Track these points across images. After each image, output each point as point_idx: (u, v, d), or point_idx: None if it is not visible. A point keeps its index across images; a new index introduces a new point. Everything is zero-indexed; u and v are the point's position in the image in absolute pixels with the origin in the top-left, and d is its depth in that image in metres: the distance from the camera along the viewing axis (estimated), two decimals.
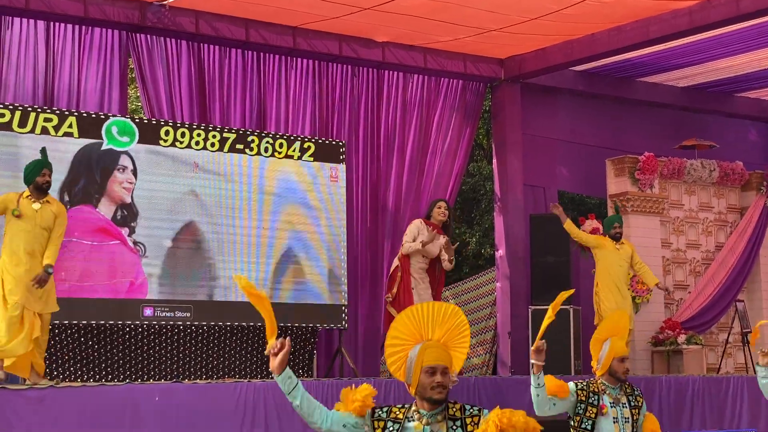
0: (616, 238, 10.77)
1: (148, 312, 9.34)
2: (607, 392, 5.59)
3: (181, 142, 9.68)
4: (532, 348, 5.25)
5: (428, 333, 3.97)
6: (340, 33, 10.94)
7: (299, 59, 11.17)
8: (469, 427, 3.84)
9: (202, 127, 9.88)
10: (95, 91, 9.96)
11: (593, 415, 5.49)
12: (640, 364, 11.92)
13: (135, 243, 9.35)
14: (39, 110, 9.02)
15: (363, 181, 11.43)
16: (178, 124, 9.79)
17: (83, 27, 9.94)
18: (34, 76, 9.66)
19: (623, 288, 10.70)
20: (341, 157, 10.65)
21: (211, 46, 10.63)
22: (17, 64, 9.59)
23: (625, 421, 5.53)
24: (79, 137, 9.16)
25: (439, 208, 9.91)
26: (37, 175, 7.58)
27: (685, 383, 9.92)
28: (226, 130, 10.01)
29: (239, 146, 9.98)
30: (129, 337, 9.26)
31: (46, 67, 9.72)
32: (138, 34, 10.18)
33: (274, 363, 4.00)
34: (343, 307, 10.40)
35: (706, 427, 9.64)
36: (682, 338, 11.90)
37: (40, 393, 7.08)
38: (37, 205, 7.49)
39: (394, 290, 9.51)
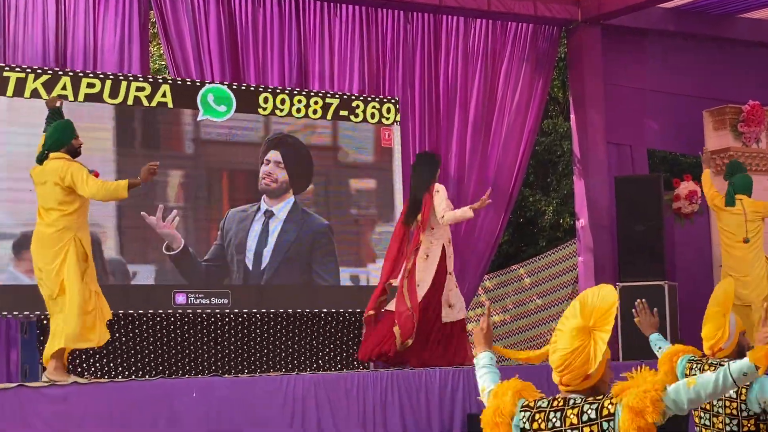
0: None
1: (180, 299, 9.53)
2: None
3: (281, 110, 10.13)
4: None
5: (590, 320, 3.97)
6: None
7: (344, 5, 11.23)
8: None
9: (304, 93, 10.33)
10: (113, 49, 10.11)
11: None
12: None
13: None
14: (131, 78, 9.57)
15: (421, 144, 11.48)
16: (278, 90, 10.24)
17: None
18: (44, 33, 9.84)
19: (753, 246, 10.53)
20: (395, 117, 10.72)
21: None
22: (24, 21, 9.78)
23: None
24: (173, 107, 9.67)
25: None
26: (73, 137, 7.71)
27: None
28: (329, 95, 10.46)
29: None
30: (160, 328, 9.46)
31: (57, 24, 9.89)
32: None
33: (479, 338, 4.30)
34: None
35: None
36: None
37: (63, 391, 7.27)
38: None
39: (409, 266, 9.34)
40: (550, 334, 4.16)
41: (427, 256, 9.31)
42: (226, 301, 9.71)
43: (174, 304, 9.51)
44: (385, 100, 10.76)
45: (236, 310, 9.76)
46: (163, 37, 10.52)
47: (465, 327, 9.54)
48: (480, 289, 13.58)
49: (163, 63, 14.84)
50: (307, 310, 10.06)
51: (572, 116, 12.55)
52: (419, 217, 9.33)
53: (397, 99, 10.90)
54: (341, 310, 10.18)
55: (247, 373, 9.35)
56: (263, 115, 10.14)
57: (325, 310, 10.13)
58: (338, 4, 11.21)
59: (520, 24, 12.10)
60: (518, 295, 14.20)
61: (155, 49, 15.03)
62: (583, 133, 12.28)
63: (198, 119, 9.87)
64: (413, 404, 8.25)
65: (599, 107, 12.27)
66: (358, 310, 10.17)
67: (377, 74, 11.37)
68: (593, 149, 12.20)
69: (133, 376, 9.02)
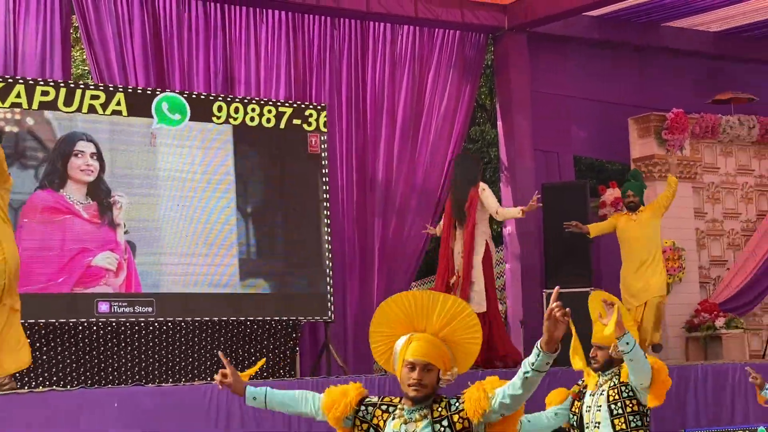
0: (632, 208, 10.79)
1: (103, 307, 9.34)
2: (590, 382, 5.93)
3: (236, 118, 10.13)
4: None
5: (421, 324, 4.06)
6: None
7: (270, 11, 11.14)
8: (458, 426, 3.97)
9: (255, 101, 10.30)
10: (34, 53, 9.93)
11: (577, 410, 5.86)
12: (672, 352, 11.96)
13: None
14: (84, 87, 9.54)
15: (348, 150, 11.43)
16: (229, 98, 10.20)
17: None
18: None
19: (654, 263, 10.68)
20: (322, 123, 10.63)
21: None
22: None
23: (597, 409, 5.75)
24: (128, 115, 9.64)
25: None
26: None
27: (725, 372, 9.95)
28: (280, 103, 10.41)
29: (203, 114, 10.00)
30: (82, 337, 9.26)
31: None
32: None
33: (233, 389, 4.33)
34: (329, 296, 10.41)
35: (750, 420, 9.67)
36: (720, 322, 11.93)
37: None
38: None
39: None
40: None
41: (476, 253, 9.99)
42: (150, 309, 9.54)
43: (97, 313, 9.32)
44: (312, 106, 10.67)
45: (161, 319, 9.59)
46: (85, 42, 10.35)
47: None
48: None
49: (86, 68, 14.62)
50: (233, 318, 9.92)
51: (499, 123, 12.57)
52: (467, 216, 9.97)
53: (324, 105, 10.82)
54: (267, 318, 10.05)
55: (171, 382, 9.19)
56: (217, 123, 10.03)
57: (251, 318, 9.99)
58: (264, 10, 11.11)
59: (447, 31, 12.10)
60: None
61: (78, 53, 14.78)
62: (511, 140, 12.30)
63: (153, 127, 9.73)
64: None
65: (526, 114, 12.30)
66: (285, 318, 10.06)
67: (304, 80, 11.29)
68: (520, 156, 12.22)
69: (54, 387, 8.81)
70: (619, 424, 5.69)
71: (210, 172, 10.02)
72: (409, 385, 4.00)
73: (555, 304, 3.92)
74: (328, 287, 10.40)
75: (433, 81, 11.99)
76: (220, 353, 4.40)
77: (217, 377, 4.28)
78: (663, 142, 12.33)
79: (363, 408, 4.13)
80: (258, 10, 11.08)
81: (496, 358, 9.75)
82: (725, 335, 11.88)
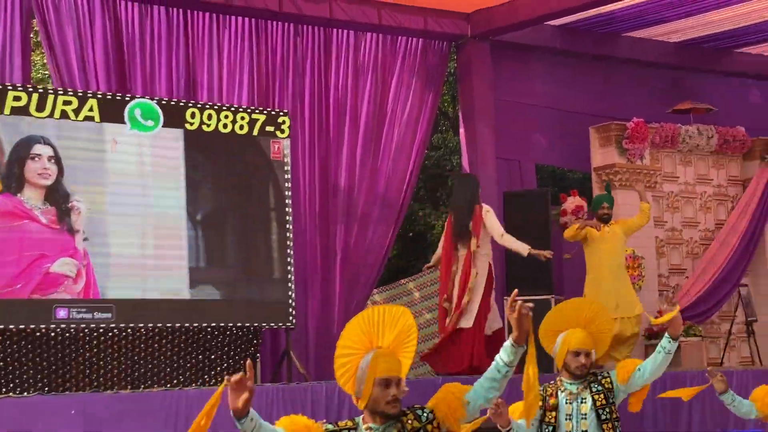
0: (605, 220, 10.87)
1: (61, 314, 9.26)
2: (563, 388, 5.83)
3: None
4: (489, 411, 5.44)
5: (379, 339, 4.07)
6: None
7: (233, 17, 11.10)
8: None
9: (226, 107, 10.27)
10: None
11: (553, 420, 5.76)
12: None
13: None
14: (60, 92, 9.47)
15: (310, 157, 11.40)
16: (207, 105, 10.19)
17: None
18: None
19: (621, 277, 10.77)
20: (284, 130, 10.60)
21: (130, 3, 10.55)
22: None
23: (582, 417, 5.72)
24: (101, 121, 9.57)
25: None
26: None
27: (683, 379, 9.99)
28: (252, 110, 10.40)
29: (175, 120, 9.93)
30: (40, 343, 9.17)
31: None
32: None
33: (236, 402, 3.95)
34: (291, 303, 10.37)
35: (708, 427, 9.74)
36: None
37: None
38: None
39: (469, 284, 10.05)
40: None
41: (477, 273, 10.00)
42: (110, 315, 9.46)
43: (55, 319, 9.23)
44: (274, 112, 10.63)
45: (121, 325, 9.51)
46: (46, 46, 10.27)
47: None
48: (369, 302, 13.51)
49: (46, 72, 14.51)
50: (195, 325, 9.86)
51: (462, 131, 12.59)
52: (471, 236, 10.05)
53: (286, 111, 10.79)
54: (228, 325, 9.99)
55: (130, 389, 9.12)
56: (190, 130, 10.01)
57: (212, 325, 9.93)
58: (228, 16, 11.07)
59: (411, 38, 12.11)
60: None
61: (38, 57, 14.67)
62: (473, 148, 12.33)
63: (126, 133, 9.70)
64: None
65: (488, 122, 12.33)
66: (246, 325, 10.01)
67: (267, 86, 11.26)
68: (482, 164, 12.24)
69: (10, 393, 8.72)
70: (608, 429, 5.70)
71: (162, 177, 9.93)
72: (387, 403, 3.95)
73: (519, 300, 4.15)
74: (290, 293, 10.37)
75: (396, 88, 11.99)
76: (248, 362, 4.02)
77: (236, 377, 3.93)
78: (624, 151, 12.42)
79: None
80: (221, 16, 11.04)
81: (473, 370, 9.81)
82: (684, 343, 11.93)
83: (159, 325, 9.68)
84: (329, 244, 11.42)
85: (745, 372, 10.46)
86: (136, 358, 9.58)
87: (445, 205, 17.20)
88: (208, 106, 10.25)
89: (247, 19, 11.17)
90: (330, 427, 4.08)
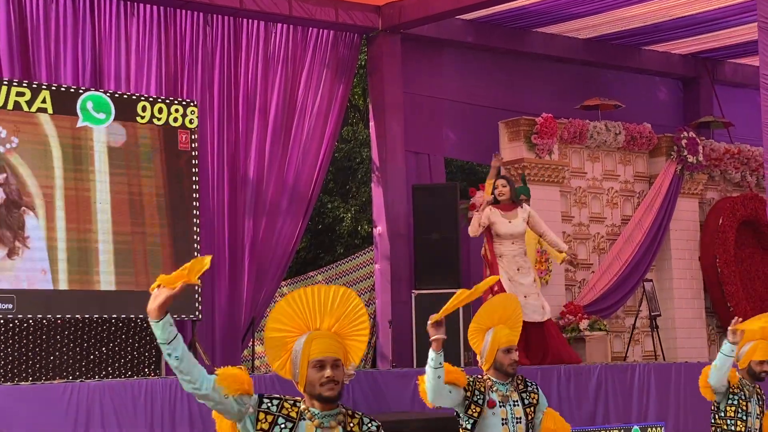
0: None
1: None
2: (495, 389, 5.59)
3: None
4: (429, 322, 5.24)
5: (316, 322, 3.92)
6: None
7: (141, 5, 10.98)
8: None
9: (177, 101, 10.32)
10: None
11: (476, 414, 5.52)
12: None
13: None
14: (14, 83, 9.49)
15: (219, 148, 11.34)
16: (158, 99, 10.24)
17: None
18: None
19: (529, 271, 10.88)
20: (193, 120, 10.52)
21: None
22: None
23: (517, 421, 5.55)
24: (54, 113, 9.59)
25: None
26: None
27: (587, 373, 10.16)
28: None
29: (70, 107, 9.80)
30: None
31: None
32: None
33: (154, 302, 3.78)
34: (197, 295, 10.31)
35: (610, 421, 9.89)
36: (584, 324, 12.16)
37: None
38: None
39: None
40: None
41: None
42: (10, 306, 9.31)
43: None
44: (183, 102, 10.55)
45: (20, 316, 9.36)
46: None
47: None
48: (277, 294, 13.48)
49: None
50: (96, 316, 9.75)
51: (372, 124, 12.61)
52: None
53: (195, 102, 10.71)
54: (132, 316, 9.89)
55: (30, 381, 8.99)
56: (141, 123, 10.00)
57: (115, 316, 9.83)
58: (135, 3, 10.95)
59: (321, 30, 12.09)
60: None
61: None
62: (383, 141, 12.35)
63: (77, 126, 9.64)
64: (203, 411, 8.07)
65: (398, 116, 12.37)
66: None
67: (175, 76, 11.16)
68: (392, 157, 12.29)
69: None
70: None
71: (71, 168, 9.82)
72: (321, 384, 3.79)
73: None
74: (196, 286, 10.29)
75: (306, 80, 11.96)
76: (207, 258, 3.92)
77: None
78: (532, 146, 12.52)
79: (267, 400, 3.86)
80: (129, 3, 10.91)
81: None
82: (589, 337, 12.11)
83: (60, 316, 9.55)
84: (237, 236, 11.36)
85: (648, 365, 10.64)
86: (37, 349, 9.45)
87: (354, 198, 17.22)
88: (117, 95, 10.14)
89: (155, 7, 11.06)
90: (272, 407, 3.84)
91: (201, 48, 11.33)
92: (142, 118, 10.18)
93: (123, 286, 9.96)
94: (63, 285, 9.63)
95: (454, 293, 5.10)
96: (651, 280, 13.01)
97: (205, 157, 11.08)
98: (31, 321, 9.45)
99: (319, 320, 3.93)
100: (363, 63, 14.71)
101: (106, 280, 9.87)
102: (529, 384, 5.73)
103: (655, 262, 13.49)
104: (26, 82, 9.67)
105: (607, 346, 12.42)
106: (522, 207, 10.67)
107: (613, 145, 13.34)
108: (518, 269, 10.64)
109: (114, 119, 9.91)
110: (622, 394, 10.23)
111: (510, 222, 10.59)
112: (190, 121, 10.50)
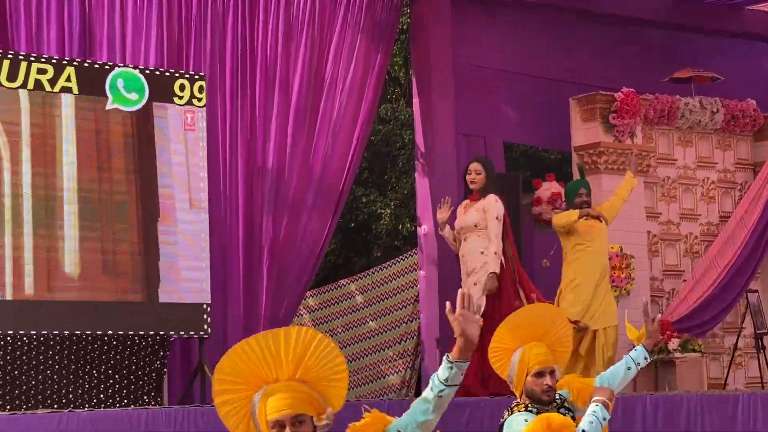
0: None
1: None
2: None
3: None
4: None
5: (272, 373, 3.92)
6: None
7: None
8: None
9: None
10: None
11: None
12: None
13: None
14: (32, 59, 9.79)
15: (232, 131, 11.41)
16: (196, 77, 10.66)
17: None
18: None
19: (604, 283, 10.93)
20: (200, 98, 10.64)
21: None
22: None
23: None
24: (79, 93, 9.87)
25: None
26: None
27: (679, 403, 10.15)
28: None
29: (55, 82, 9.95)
30: None
31: None
32: None
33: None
34: (206, 307, 10.41)
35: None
36: (674, 344, 12.14)
37: None
38: None
39: None
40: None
41: None
42: None
43: None
44: (188, 75, 10.66)
45: None
46: None
47: None
48: (302, 308, 13.58)
49: None
50: (87, 333, 9.87)
51: (415, 101, 12.65)
52: None
53: (203, 75, 10.81)
54: (130, 333, 10.01)
55: (8, 410, 9.13)
56: (179, 105, 10.27)
57: (109, 332, 9.95)
58: None
59: None
60: (348, 316, 14.24)
61: None
62: (428, 122, 12.40)
63: (106, 108, 9.91)
64: None
65: (447, 91, 12.41)
66: (152, 333, 10.04)
67: (179, 45, 11.26)
68: (440, 141, 12.33)
69: None
70: None
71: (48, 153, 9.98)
72: None
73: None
74: (205, 296, 10.40)
75: (336, 49, 12.01)
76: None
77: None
78: (611, 128, 12.49)
79: None
80: None
81: None
82: (680, 360, 12.08)
83: (45, 332, 9.68)
84: (254, 236, 11.44)
85: (753, 395, 10.58)
86: (16, 372, 9.58)
87: (393, 190, 17.27)
88: (109, 67, 10.27)
89: None
90: None
91: (211, 12, 11.41)
92: (139, 95, 10.31)
93: (117, 296, 10.08)
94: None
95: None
96: (756, 291, 12.94)
97: (215, 141, 11.16)
98: (8, 338, 9.57)
99: (276, 370, 3.91)
100: (405, 27, 14.78)
101: (92, 286, 10.00)
102: (563, 398, 5.85)
103: (760, 269, 13.43)
104: (45, 57, 9.91)
105: (702, 371, 12.38)
106: (485, 198, 10.65)
107: (710, 126, 13.32)
108: (468, 274, 10.65)
109: (148, 99, 10.23)
110: (721, 429, 10.22)
111: (464, 213, 10.70)
112: (198, 99, 10.60)
